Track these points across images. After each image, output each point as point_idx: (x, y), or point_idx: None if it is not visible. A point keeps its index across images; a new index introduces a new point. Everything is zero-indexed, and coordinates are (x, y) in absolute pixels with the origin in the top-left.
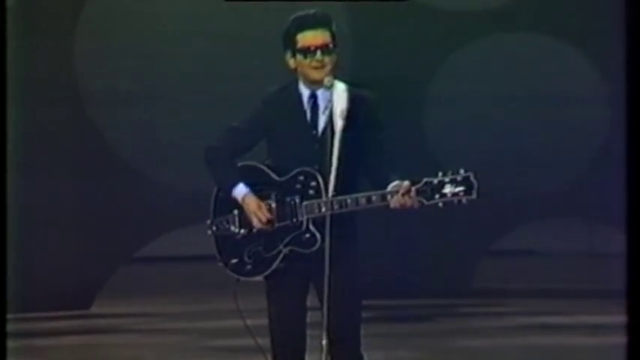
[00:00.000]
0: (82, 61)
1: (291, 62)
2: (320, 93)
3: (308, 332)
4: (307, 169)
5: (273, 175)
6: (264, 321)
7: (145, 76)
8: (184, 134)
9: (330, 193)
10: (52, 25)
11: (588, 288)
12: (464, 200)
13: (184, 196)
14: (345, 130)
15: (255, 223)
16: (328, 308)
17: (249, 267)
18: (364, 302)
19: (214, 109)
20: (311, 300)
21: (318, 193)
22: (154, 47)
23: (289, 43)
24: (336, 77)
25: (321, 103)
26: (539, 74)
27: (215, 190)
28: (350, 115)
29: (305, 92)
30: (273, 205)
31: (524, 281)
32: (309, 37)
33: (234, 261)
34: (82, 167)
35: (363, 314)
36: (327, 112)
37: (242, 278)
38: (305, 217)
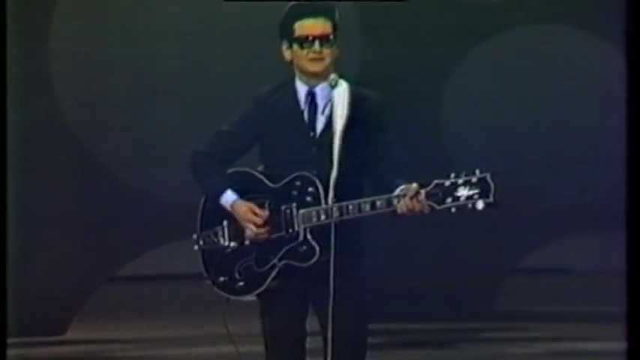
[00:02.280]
0: (76, 62)
1: (287, 54)
2: (318, 90)
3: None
4: (304, 173)
5: (267, 182)
6: (258, 347)
7: (132, 79)
8: (171, 140)
9: (330, 200)
10: (52, 26)
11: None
12: (479, 204)
13: (170, 208)
14: (345, 131)
15: (250, 229)
16: (332, 332)
17: (240, 284)
18: (371, 326)
19: (206, 113)
20: (310, 323)
21: (316, 200)
22: (148, 47)
23: (286, 32)
24: (341, 76)
25: (320, 102)
26: (568, 71)
27: (202, 200)
28: (351, 116)
29: (302, 90)
30: (267, 214)
31: (554, 303)
32: (307, 26)
33: (223, 278)
34: (57, 176)
35: (370, 340)
36: (326, 112)
37: (232, 297)
38: (302, 227)
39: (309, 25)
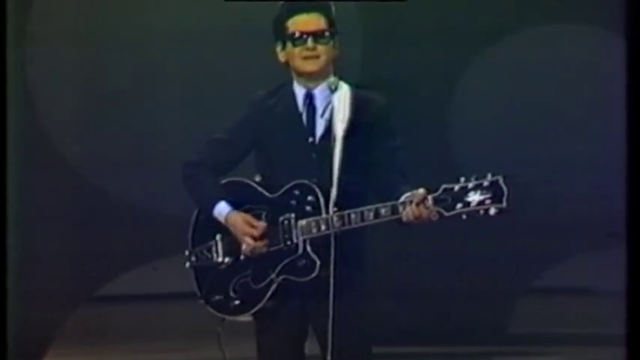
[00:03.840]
0: (74, 64)
1: (282, 55)
2: (317, 93)
3: None
4: (303, 181)
5: (263, 192)
6: None
7: (127, 82)
8: (160, 148)
9: (331, 209)
10: (53, 26)
11: None
12: (492, 210)
13: (159, 221)
14: (347, 136)
15: (247, 242)
16: (332, 354)
17: (235, 303)
18: (375, 349)
19: (202, 119)
20: (309, 344)
21: (316, 210)
22: (150, 48)
23: (279, 32)
24: (342, 78)
25: (319, 105)
26: (587, 72)
27: (195, 214)
28: (354, 119)
29: (300, 92)
30: (264, 225)
31: (574, 325)
32: (300, 22)
33: (217, 297)
34: (29, 184)
35: None
36: (326, 115)
37: (228, 317)
38: (301, 239)
39: (302, 22)
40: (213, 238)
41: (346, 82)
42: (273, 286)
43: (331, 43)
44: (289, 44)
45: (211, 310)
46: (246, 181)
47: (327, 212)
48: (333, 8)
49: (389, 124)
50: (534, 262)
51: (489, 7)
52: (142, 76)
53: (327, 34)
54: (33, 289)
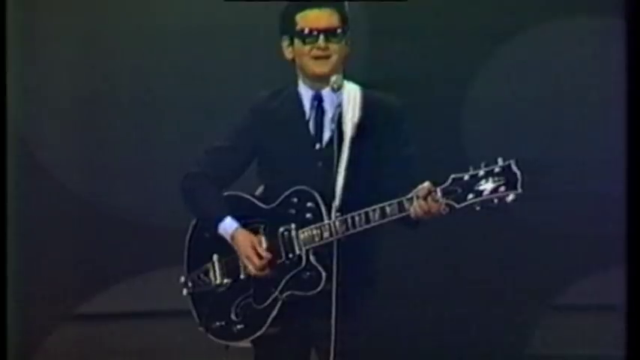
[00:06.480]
0: (73, 65)
1: (288, 51)
2: (326, 94)
3: None
4: (302, 188)
5: (259, 204)
6: None
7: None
8: (153, 153)
9: (334, 214)
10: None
11: None
12: (508, 198)
13: (149, 234)
14: (356, 142)
15: (252, 268)
16: None
17: (238, 327)
18: None
19: (200, 122)
20: None
21: (317, 217)
22: (151, 49)
23: (287, 26)
24: (346, 77)
25: (328, 108)
26: (608, 68)
27: (188, 237)
28: (364, 124)
29: (306, 94)
30: (263, 239)
31: (599, 346)
32: (310, 18)
33: (218, 323)
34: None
35: None
36: (334, 120)
37: (232, 344)
38: (304, 250)
39: (313, 17)
40: (210, 259)
41: (355, 81)
42: (278, 305)
43: (343, 41)
44: (298, 41)
45: (213, 337)
46: (241, 194)
47: (330, 218)
48: (346, 4)
49: (402, 129)
50: (554, 278)
51: (497, 4)
52: (142, 77)
53: (339, 31)
54: (26, 303)
